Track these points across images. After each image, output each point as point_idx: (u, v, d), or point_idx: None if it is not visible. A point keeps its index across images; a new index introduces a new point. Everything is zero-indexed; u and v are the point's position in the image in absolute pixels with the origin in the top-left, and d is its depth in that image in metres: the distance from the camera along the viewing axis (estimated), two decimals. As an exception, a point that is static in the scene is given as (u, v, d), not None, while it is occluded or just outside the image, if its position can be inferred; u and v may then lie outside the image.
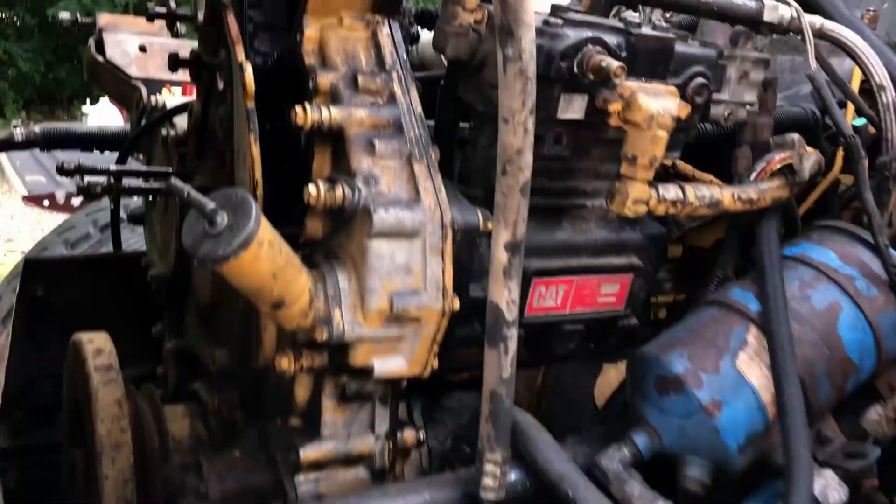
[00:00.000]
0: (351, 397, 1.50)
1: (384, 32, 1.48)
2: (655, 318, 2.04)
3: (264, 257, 1.20)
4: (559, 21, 1.35)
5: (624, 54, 1.39)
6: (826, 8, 1.64)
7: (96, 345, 1.91)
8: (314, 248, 1.40)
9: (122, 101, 2.55)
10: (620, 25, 1.41)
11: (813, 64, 1.53)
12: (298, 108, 1.35)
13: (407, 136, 1.41)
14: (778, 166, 1.59)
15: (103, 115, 10.17)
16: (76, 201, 6.78)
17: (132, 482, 1.71)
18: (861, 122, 1.75)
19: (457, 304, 1.39)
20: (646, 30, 1.42)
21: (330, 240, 1.39)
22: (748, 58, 1.56)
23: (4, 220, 9.24)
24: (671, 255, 1.91)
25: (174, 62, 1.77)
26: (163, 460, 1.79)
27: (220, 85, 1.75)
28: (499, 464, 1.32)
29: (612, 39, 1.38)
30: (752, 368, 1.40)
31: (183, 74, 2.00)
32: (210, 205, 1.13)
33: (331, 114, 1.36)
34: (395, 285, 1.35)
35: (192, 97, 2.27)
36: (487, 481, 1.32)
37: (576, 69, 1.34)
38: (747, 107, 1.62)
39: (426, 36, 1.93)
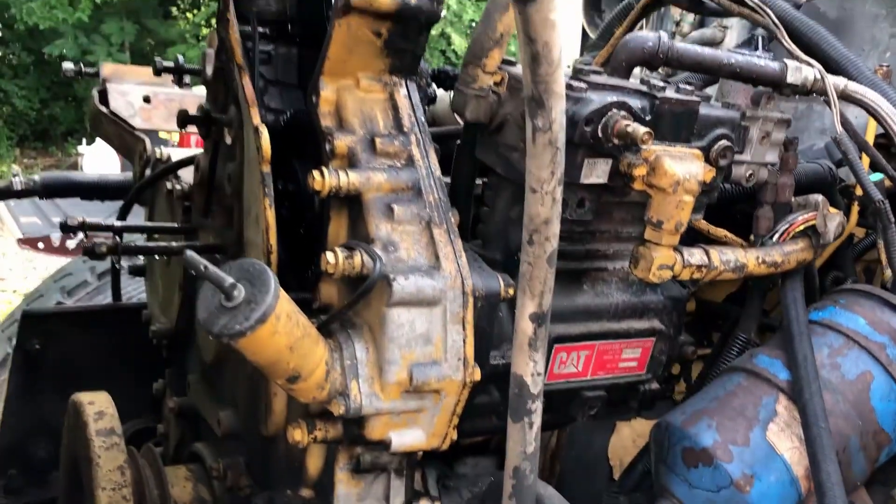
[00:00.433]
0: (365, 469, 1.44)
1: (402, 94, 1.45)
2: (669, 374, 2.00)
3: (281, 331, 1.16)
4: (583, 85, 1.32)
5: (648, 117, 1.37)
6: (847, 68, 1.62)
7: (98, 407, 1.86)
8: (329, 319, 1.35)
9: (125, 152, 2.51)
10: (644, 88, 1.39)
11: (839, 127, 1.50)
12: (316, 173, 1.31)
13: (426, 200, 1.37)
14: (801, 228, 1.56)
15: (99, 155, 10.15)
16: (71, 244, 6.72)
17: (134, 553, 1.64)
18: (878, 177, 1.74)
19: (478, 375, 1.34)
20: (670, 93, 1.39)
21: (346, 311, 1.34)
22: (770, 118, 1.53)
23: (-3, 260, 9.17)
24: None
25: (183, 119, 1.74)
26: (166, 528, 1.73)
27: (229, 140, 1.72)
28: (523, 543, 1.26)
29: (636, 103, 1.35)
30: (783, 440, 1.36)
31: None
32: (228, 280, 1.09)
33: (349, 178, 1.33)
34: (415, 355, 1.30)
35: (191, 149, 2.25)
36: (511, 560, 1.26)
37: (600, 134, 1.31)
38: (769, 167, 1.59)
39: (441, 94, 1.91)
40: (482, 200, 1.58)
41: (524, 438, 1.24)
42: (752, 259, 1.50)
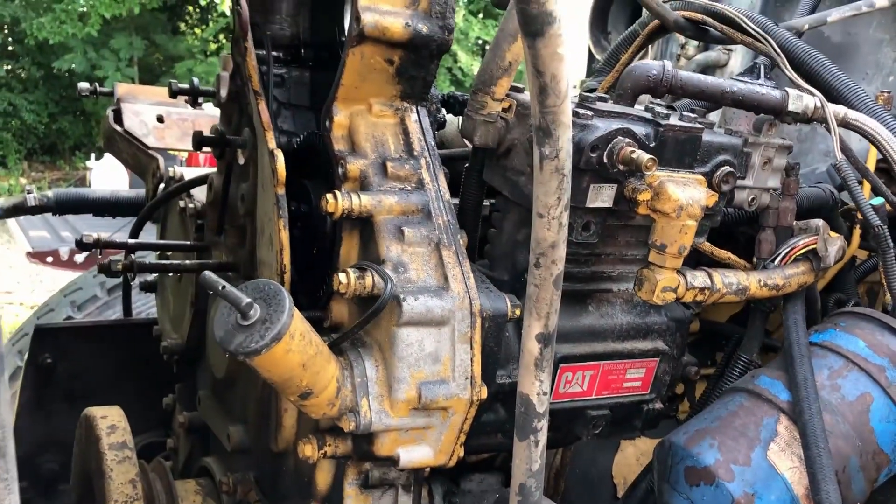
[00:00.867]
0: (374, 485, 1.47)
1: (412, 119, 1.49)
2: (673, 394, 2.02)
3: (295, 349, 1.19)
4: (589, 112, 1.36)
5: (653, 144, 1.40)
6: (847, 96, 1.66)
7: (110, 421, 1.89)
8: (341, 338, 1.38)
9: (138, 170, 2.56)
10: (649, 116, 1.42)
11: (839, 154, 1.54)
12: (329, 196, 1.35)
13: (435, 223, 1.41)
14: (802, 251, 1.60)
15: (108, 169, 10.23)
16: (79, 258, 6.77)
17: (145, 566, 1.67)
18: (878, 201, 1.77)
19: (485, 393, 1.37)
20: (673, 120, 1.43)
21: (357, 330, 1.38)
22: (772, 144, 1.57)
23: (4, 272, 9.22)
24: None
25: (198, 141, 1.78)
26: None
27: (242, 161, 1.76)
28: (528, 559, 1.28)
29: (640, 130, 1.39)
30: (784, 460, 1.39)
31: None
32: (245, 300, 1.13)
33: (361, 201, 1.37)
34: (424, 374, 1.33)
35: (200, 168, 2.28)
36: (516, 576, 1.28)
37: (606, 160, 1.35)
38: (770, 192, 1.62)
39: (450, 118, 1.95)
40: (490, 222, 1.62)
41: (530, 456, 1.27)
42: (753, 282, 1.53)
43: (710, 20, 1.84)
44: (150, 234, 2.54)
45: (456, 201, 1.59)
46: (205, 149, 1.87)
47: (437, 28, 1.40)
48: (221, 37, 18.43)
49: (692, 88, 1.50)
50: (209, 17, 19.84)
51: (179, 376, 2.28)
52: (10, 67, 19.09)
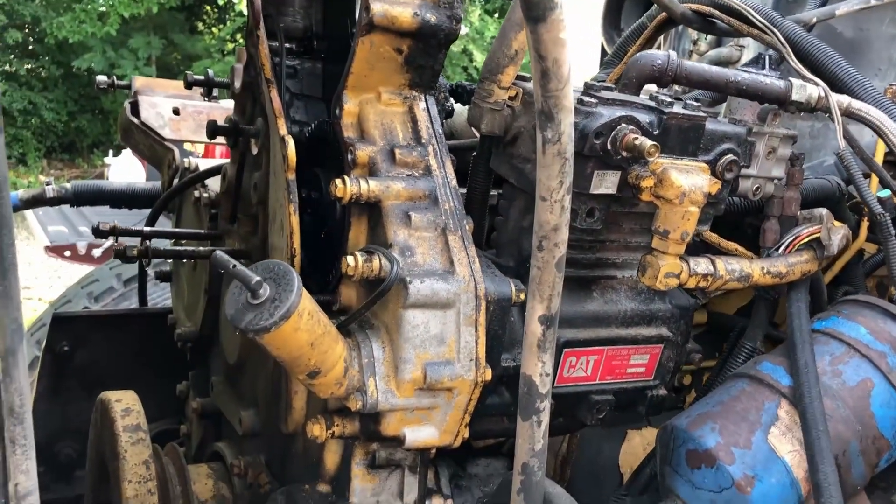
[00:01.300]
0: (381, 465, 1.50)
1: (420, 107, 1.52)
2: (679, 385, 2.04)
3: (304, 327, 1.22)
4: (593, 100, 1.39)
5: (656, 132, 1.43)
6: (853, 87, 1.67)
7: (125, 404, 1.93)
8: (348, 320, 1.41)
9: (154, 161, 2.60)
10: (652, 104, 1.45)
11: (842, 143, 1.56)
12: (338, 181, 1.38)
13: (442, 208, 1.44)
14: (806, 240, 1.61)
15: (125, 166, 10.33)
16: (96, 253, 6.85)
17: (158, 544, 1.71)
18: (886, 193, 1.78)
19: (489, 375, 1.40)
20: (677, 108, 1.45)
21: (364, 311, 1.41)
22: (776, 134, 1.59)
23: (23, 267, 9.34)
24: (696, 321, 1.92)
25: (212, 130, 1.82)
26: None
27: (255, 150, 1.80)
28: (531, 537, 1.31)
29: (644, 117, 1.41)
30: (784, 444, 1.40)
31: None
32: (255, 278, 1.16)
33: (369, 186, 1.40)
34: (429, 355, 1.36)
35: (215, 160, 2.32)
36: (519, 554, 1.31)
37: (609, 147, 1.37)
38: (775, 181, 1.64)
39: (458, 108, 1.98)
40: (496, 211, 1.65)
41: (533, 436, 1.29)
42: (757, 269, 1.55)
43: (716, 12, 1.86)
44: (164, 226, 2.59)
45: (463, 191, 1.62)
46: (219, 145, 1.91)
47: (445, 17, 1.43)
48: (238, 36, 18.54)
49: (696, 77, 1.52)
50: (227, 16, 19.96)
51: (193, 364, 2.32)
52: (30, 66, 19.30)
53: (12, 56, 19.02)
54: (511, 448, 1.84)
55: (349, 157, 1.45)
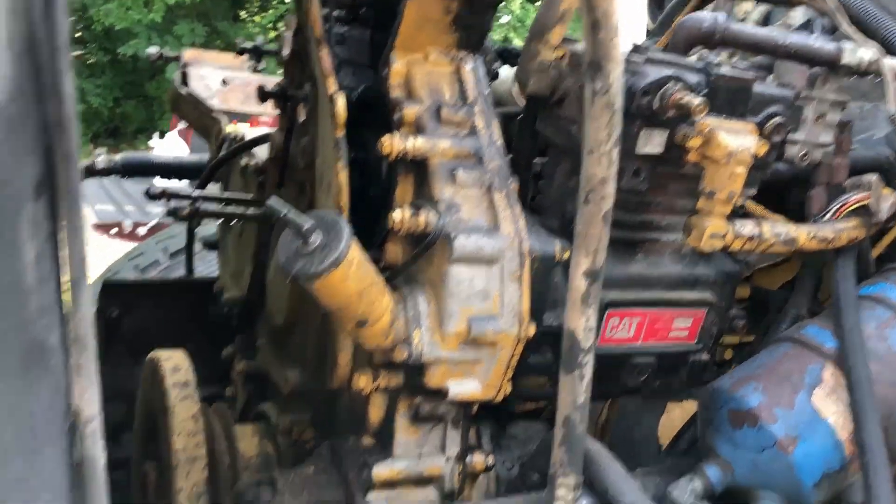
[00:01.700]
0: (424, 418, 1.53)
1: (467, 68, 1.54)
2: (721, 360, 2.04)
3: (353, 276, 1.25)
4: (641, 59, 1.39)
5: (704, 92, 1.43)
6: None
7: (174, 362, 1.99)
8: (395, 273, 1.44)
9: (202, 131, 2.66)
10: (700, 65, 1.45)
11: (892, 106, 1.54)
12: (386, 138, 1.41)
13: (487, 167, 1.46)
14: (854, 206, 1.60)
15: (170, 149, 10.50)
16: (141, 230, 6.99)
17: (205, 496, 1.76)
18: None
19: (532, 331, 1.41)
20: (725, 69, 1.45)
21: (410, 265, 1.43)
22: (825, 99, 1.58)
23: (72, 247, 9.55)
24: (739, 295, 1.91)
25: (262, 94, 1.85)
26: (232, 477, 1.84)
27: (303, 116, 1.83)
28: (571, 489, 1.33)
29: (692, 78, 1.42)
30: (828, 405, 1.40)
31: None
32: (306, 224, 1.19)
33: (416, 143, 1.42)
34: (473, 310, 1.38)
35: (258, 129, 2.36)
36: (559, 506, 1.33)
37: (657, 105, 1.38)
38: (823, 148, 1.63)
39: (503, 73, 1.99)
40: (540, 177, 1.66)
41: (574, 388, 1.31)
42: (803, 233, 1.54)
43: (766, -21, 1.85)
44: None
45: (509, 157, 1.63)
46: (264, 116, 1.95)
47: (493, -23, 1.45)
48: (281, 24, 18.70)
49: (745, 40, 1.51)
50: (269, 4, 20.14)
51: (239, 329, 2.37)
52: (78, 53, 19.68)
53: (61, 43, 19.41)
54: (550, 413, 1.86)
55: (396, 115, 1.48)
